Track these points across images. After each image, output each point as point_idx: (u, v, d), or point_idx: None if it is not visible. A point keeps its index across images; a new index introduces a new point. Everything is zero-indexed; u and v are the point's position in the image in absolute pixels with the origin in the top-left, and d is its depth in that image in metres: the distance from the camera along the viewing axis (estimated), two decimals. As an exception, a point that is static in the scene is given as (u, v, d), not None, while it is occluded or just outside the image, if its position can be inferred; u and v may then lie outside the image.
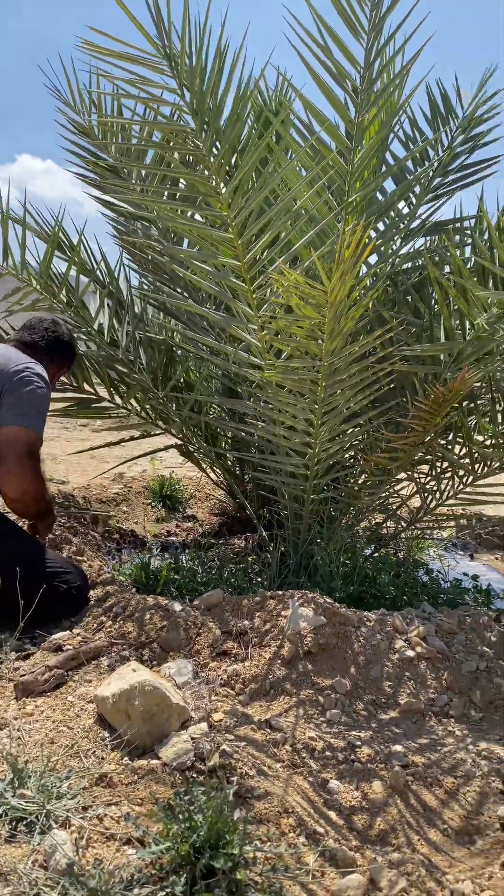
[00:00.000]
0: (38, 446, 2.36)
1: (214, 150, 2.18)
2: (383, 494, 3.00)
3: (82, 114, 2.87)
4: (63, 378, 3.33)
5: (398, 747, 1.74)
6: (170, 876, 1.20)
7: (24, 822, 1.33)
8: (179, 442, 3.56)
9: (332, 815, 1.54)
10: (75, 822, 1.33)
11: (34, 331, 2.60)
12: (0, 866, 1.22)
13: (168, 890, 1.17)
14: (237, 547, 3.37)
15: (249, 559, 2.91)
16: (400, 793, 1.62)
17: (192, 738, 1.61)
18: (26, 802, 1.35)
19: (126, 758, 1.57)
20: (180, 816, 1.23)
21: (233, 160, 2.81)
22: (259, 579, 2.69)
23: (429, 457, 3.02)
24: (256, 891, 1.21)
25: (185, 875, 1.18)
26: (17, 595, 2.06)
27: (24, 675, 1.89)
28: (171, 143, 2.27)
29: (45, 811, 1.33)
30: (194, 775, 1.52)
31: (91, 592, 2.43)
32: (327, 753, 1.70)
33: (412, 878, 1.39)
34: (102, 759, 1.56)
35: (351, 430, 2.71)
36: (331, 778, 1.63)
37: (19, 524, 2.63)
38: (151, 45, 1.88)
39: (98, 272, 3.55)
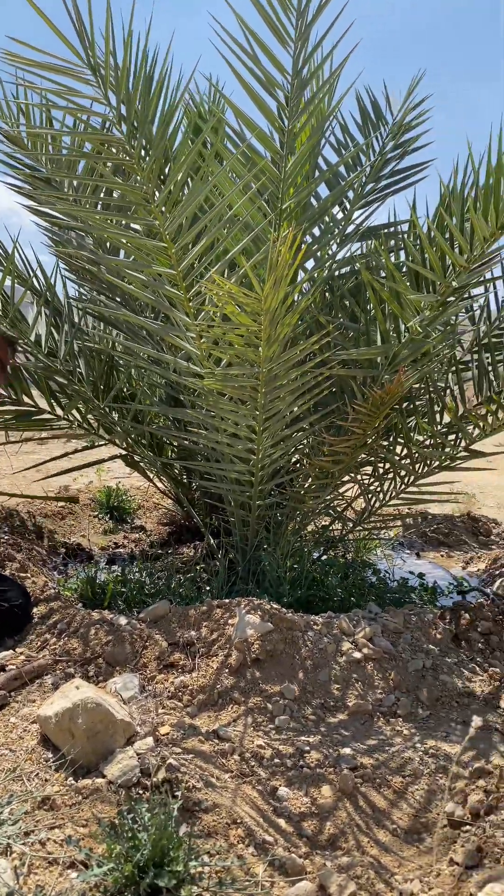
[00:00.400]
0: None
1: (145, 158, 2.16)
2: (328, 497, 3.02)
3: (10, 123, 2.82)
4: (0, 391, 3.26)
5: (347, 750, 1.75)
6: (114, 898, 1.18)
7: (-36, 853, 1.29)
8: (125, 452, 3.52)
9: (282, 822, 1.53)
10: (16, 848, 1.30)
11: None
12: None
13: (113, 912, 1.15)
14: (186, 556, 3.35)
15: (198, 568, 2.89)
16: (349, 796, 1.63)
17: (138, 754, 1.58)
18: (-35, 832, 1.31)
19: (70, 778, 1.53)
20: (124, 836, 1.21)
21: (165, 169, 2.80)
22: (208, 588, 2.67)
23: (371, 458, 3.05)
24: (203, 906, 1.20)
25: (129, 896, 1.16)
26: None
27: (-36, 699, 1.84)
28: (102, 153, 2.25)
29: (-16, 839, 1.30)
30: (140, 791, 1.50)
31: (35, 610, 2.38)
32: (276, 760, 1.69)
33: (361, 881, 1.40)
34: (46, 780, 1.52)
35: (293, 434, 2.72)
36: (280, 785, 1.62)
37: None
38: (75, 55, 1.86)
39: (35, 281, 3.50)
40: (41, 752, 1.63)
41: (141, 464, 3.58)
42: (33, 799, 1.45)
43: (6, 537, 3.05)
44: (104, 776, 1.53)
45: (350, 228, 2.91)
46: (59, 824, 1.38)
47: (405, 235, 2.75)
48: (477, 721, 1.92)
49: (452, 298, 2.33)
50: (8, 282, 3.56)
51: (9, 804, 1.41)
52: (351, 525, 3.26)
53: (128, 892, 1.17)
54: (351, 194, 2.95)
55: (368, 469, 3.13)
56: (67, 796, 1.46)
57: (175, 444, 3.50)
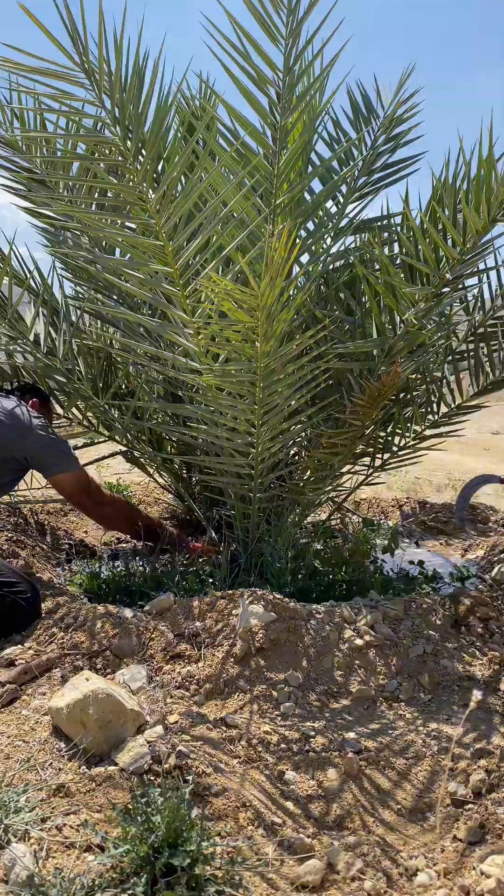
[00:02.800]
0: (86, 480, 2.78)
1: (140, 157, 2.19)
2: (327, 489, 3.06)
3: (5, 126, 2.84)
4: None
5: (351, 734, 1.80)
6: (130, 878, 1.22)
7: (-17, 839, 1.34)
8: (125, 448, 3.55)
9: (289, 805, 1.58)
10: (34, 834, 1.34)
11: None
12: (-40, 884, 1.22)
13: (129, 891, 1.19)
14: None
15: (200, 561, 2.94)
16: (354, 778, 1.68)
17: (149, 742, 1.63)
18: (-17, 819, 1.36)
19: (83, 766, 1.58)
20: (138, 819, 1.26)
21: (159, 167, 2.83)
22: (211, 581, 2.72)
23: (370, 449, 3.09)
24: (216, 884, 1.25)
25: (145, 876, 1.21)
26: None
27: (-24, 693, 1.88)
28: (96, 155, 2.28)
29: (2, 826, 1.34)
30: (152, 778, 1.54)
31: (42, 605, 2.42)
32: (282, 746, 1.74)
33: (368, 859, 1.45)
34: (59, 769, 1.57)
35: (292, 427, 2.76)
36: (287, 769, 1.67)
37: None
38: (68, 59, 1.89)
39: (32, 281, 3.53)
40: (54, 743, 1.67)
41: (141, 459, 3.62)
42: (48, 787, 1.50)
43: (10, 535, 3.09)
44: (116, 764, 1.58)
45: (344, 222, 2.94)
46: (75, 810, 1.43)
47: (398, 228, 2.79)
48: (477, 697, 1.97)
49: (447, 290, 2.37)
50: (4, 282, 3.60)
51: (24, 792, 1.46)
52: (351, 515, 3.31)
53: (143, 871, 1.21)
54: (344, 188, 2.98)
55: (367, 459, 3.18)
56: (81, 784, 1.51)
57: (174, 439, 3.54)
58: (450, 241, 2.33)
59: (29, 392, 3.11)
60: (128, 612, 2.24)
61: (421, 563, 3.14)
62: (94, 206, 2.72)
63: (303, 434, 3.10)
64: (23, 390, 3.09)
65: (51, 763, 1.60)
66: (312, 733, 1.79)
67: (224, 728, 1.78)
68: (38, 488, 3.77)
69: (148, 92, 2.14)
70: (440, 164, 2.45)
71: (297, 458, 3.32)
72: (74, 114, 2.05)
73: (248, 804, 1.53)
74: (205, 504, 3.47)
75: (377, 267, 2.77)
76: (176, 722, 1.77)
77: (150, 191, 2.19)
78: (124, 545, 3.64)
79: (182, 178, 2.47)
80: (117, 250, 2.93)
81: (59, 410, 3.50)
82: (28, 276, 3.55)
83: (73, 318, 3.65)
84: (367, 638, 2.13)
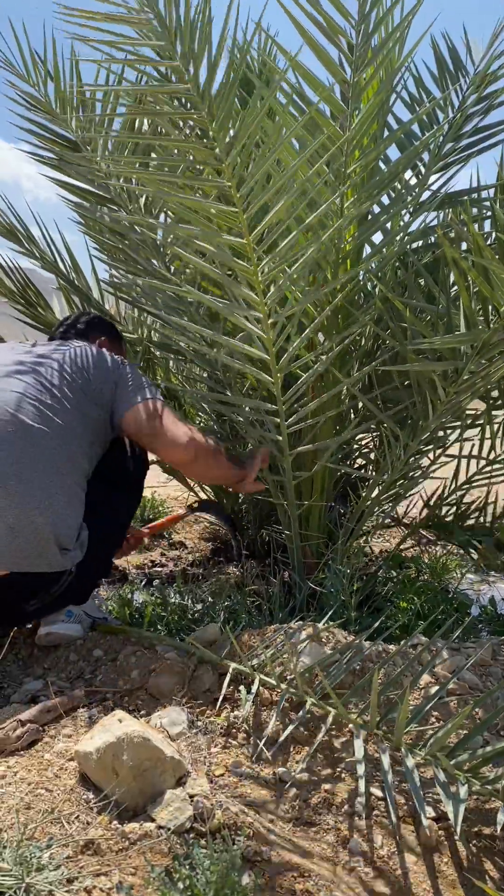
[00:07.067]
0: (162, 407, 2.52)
1: (213, 114, 2.23)
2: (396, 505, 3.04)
3: (37, 86, 2.92)
4: None
5: (429, 798, 1.77)
6: None
7: (1, 899, 1.35)
8: (161, 457, 3.59)
9: (352, 878, 1.56)
10: (59, 895, 1.35)
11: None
12: None
13: None
14: (233, 576, 3.39)
15: (248, 589, 2.94)
16: (433, 850, 1.65)
17: (191, 796, 1.63)
18: (2, 876, 1.37)
19: (115, 821, 1.58)
20: (180, 884, 1.25)
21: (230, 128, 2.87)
22: (261, 612, 2.71)
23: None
24: None
25: None
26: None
27: (-8, 732, 1.91)
28: (160, 109, 2.33)
29: (24, 885, 1.35)
30: (194, 838, 1.54)
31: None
32: (346, 807, 1.72)
33: None
34: (88, 823, 1.58)
35: (360, 436, 2.75)
36: (352, 835, 1.65)
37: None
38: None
39: (62, 264, 3.60)
40: (81, 793, 1.68)
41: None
42: (75, 843, 1.50)
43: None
44: (153, 820, 1.57)
45: (425, 195, 2.93)
46: (106, 871, 1.43)
47: (493, 202, 2.76)
48: None
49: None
50: (27, 263, 3.69)
51: (48, 848, 1.47)
52: (426, 541, 3.27)
53: (186, 946, 1.21)
54: (426, 156, 2.98)
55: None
56: (113, 841, 1.51)
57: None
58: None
59: (94, 329, 2.90)
60: (166, 646, 2.25)
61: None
62: (165, 170, 2.75)
63: (371, 444, 3.09)
64: (88, 327, 2.88)
65: (78, 816, 1.60)
66: (381, 793, 1.76)
67: (279, 783, 1.77)
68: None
69: (221, 38, 2.17)
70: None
71: (362, 470, 3.30)
72: (140, 61, 2.11)
73: (307, 874, 1.51)
74: (254, 523, 3.48)
75: (464, 247, 2.75)
76: (222, 774, 1.76)
77: (228, 150, 2.21)
78: (159, 569, 3.67)
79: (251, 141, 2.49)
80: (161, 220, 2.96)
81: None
82: (56, 258, 3.63)
83: (106, 307, 3.72)
84: (448, 686, 2.09)
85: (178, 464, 2.68)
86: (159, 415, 2.46)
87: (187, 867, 1.28)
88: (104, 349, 2.62)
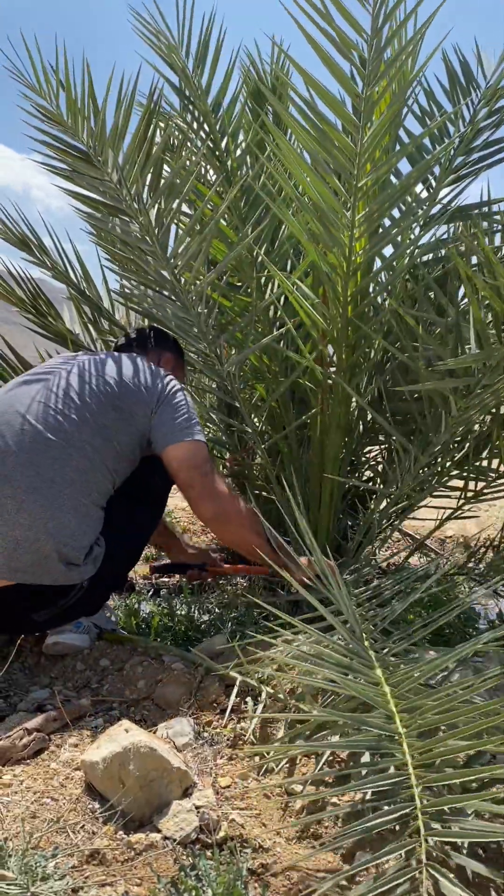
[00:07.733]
0: (206, 455, 2.43)
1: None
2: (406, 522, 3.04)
3: (49, 97, 2.95)
4: None
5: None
6: None
7: (6, 908, 1.35)
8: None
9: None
10: (65, 905, 1.35)
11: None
12: None
13: None
14: (240, 586, 3.39)
15: (255, 601, 2.93)
16: (440, 864, 1.64)
17: (197, 807, 1.63)
18: (7, 885, 1.37)
19: (121, 831, 1.58)
20: (186, 895, 1.25)
21: (223, 144, 2.89)
22: (269, 623, 2.70)
23: (464, 473, 3.06)
24: None
25: None
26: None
27: (-2, 741, 1.91)
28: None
29: (29, 894, 1.35)
30: (200, 849, 1.54)
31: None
32: (353, 821, 1.71)
33: None
34: (93, 833, 1.58)
35: (368, 450, 2.75)
36: (360, 850, 1.64)
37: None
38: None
39: (72, 274, 3.62)
40: (86, 802, 1.68)
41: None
42: (80, 853, 1.50)
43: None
44: (159, 830, 1.57)
45: (436, 209, 2.95)
46: (111, 881, 1.43)
47: (503, 216, 2.78)
48: None
49: None
50: (38, 273, 3.71)
51: (54, 857, 1.47)
52: (434, 555, 3.26)
53: None
54: (437, 169, 2.99)
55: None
56: (119, 851, 1.51)
57: (226, 459, 3.57)
58: None
59: (159, 343, 2.82)
60: (173, 656, 2.25)
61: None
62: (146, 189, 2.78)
63: (379, 457, 3.09)
64: (154, 341, 2.81)
65: (83, 825, 1.61)
66: (387, 807, 1.75)
67: (286, 796, 1.77)
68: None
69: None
70: None
71: (370, 483, 3.30)
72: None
73: (313, 887, 1.51)
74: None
75: (474, 260, 2.75)
76: (228, 786, 1.76)
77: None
78: (166, 579, 3.67)
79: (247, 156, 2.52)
80: (171, 233, 2.98)
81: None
82: (68, 267, 3.65)
83: (117, 317, 3.74)
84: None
85: (207, 520, 2.55)
86: (205, 465, 2.40)
87: (193, 878, 1.28)
88: (159, 367, 2.57)
